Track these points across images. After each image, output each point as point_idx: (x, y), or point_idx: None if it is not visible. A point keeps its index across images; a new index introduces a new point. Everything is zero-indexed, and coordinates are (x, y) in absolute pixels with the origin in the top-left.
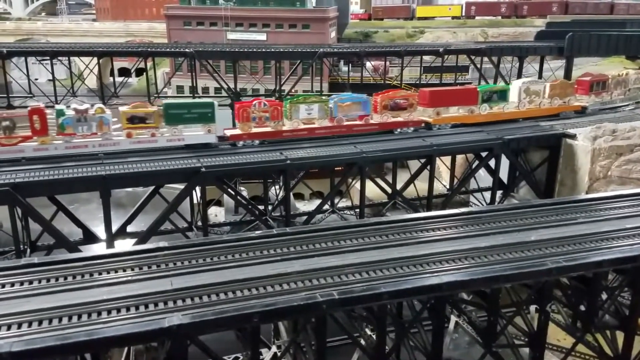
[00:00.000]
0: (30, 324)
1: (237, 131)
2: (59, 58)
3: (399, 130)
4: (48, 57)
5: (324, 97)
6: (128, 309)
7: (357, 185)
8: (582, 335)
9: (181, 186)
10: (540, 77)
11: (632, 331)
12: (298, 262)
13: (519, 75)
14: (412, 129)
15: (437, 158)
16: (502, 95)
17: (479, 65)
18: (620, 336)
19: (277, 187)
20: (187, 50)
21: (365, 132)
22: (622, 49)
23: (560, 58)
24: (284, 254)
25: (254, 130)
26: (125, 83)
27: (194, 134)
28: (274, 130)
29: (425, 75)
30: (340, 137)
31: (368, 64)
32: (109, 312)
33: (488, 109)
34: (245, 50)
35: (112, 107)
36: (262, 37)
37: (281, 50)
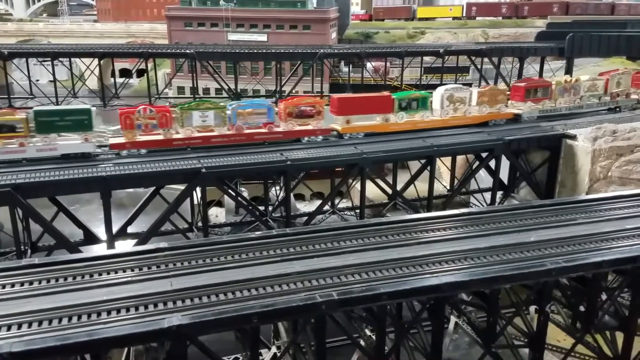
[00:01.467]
0: (30, 324)
1: (121, 139)
2: (60, 59)
3: (306, 139)
4: (49, 58)
5: (220, 104)
6: (128, 310)
7: (358, 186)
8: (581, 336)
9: (182, 187)
10: (540, 77)
11: (632, 332)
12: (298, 263)
13: (519, 76)
14: (320, 137)
15: (438, 159)
16: (423, 103)
17: (479, 66)
18: (619, 337)
19: (277, 187)
20: (188, 51)
21: (269, 141)
22: (623, 49)
23: (561, 59)
24: (284, 255)
25: (140, 138)
26: (127, 84)
27: (70, 143)
28: (164, 138)
29: (426, 76)
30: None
31: (369, 65)
32: (109, 312)
33: (406, 118)
34: (246, 51)
35: None
36: (263, 37)
37: (282, 51)
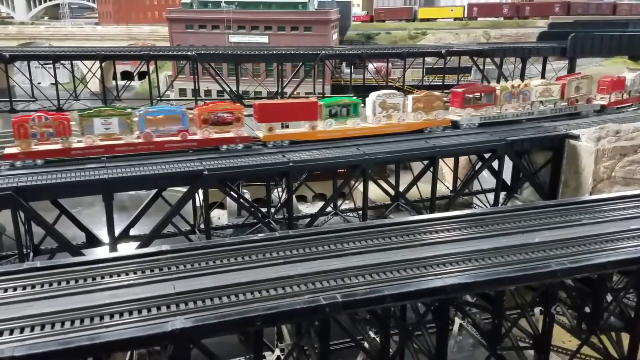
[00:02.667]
0: (32, 328)
1: (15, 149)
2: (62, 62)
3: (225, 146)
4: (50, 61)
5: (127, 110)
6: (131, 313)
7: (360, 187)
8: (587, 337)
9: (184, 189)
10: (542, 78)
11: (638, 333)
12: (301, 265)
13: (522, 77)
14: (240, 145)
15: (440, 160)
16: (354, 109)
17: (481, 67)
18: (625, 338)
19: (280, 189)
20: (189, 53)
21: (182, 150)
22: (625, 49)
23: (563, 59)
24: (286, 257)
25: (35, 148)
26: (128, 86)
27: None
28: (62, 148)
29: (428, 77)
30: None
31: (370, 66)
32: (112, 316)
33: (335, 125)
34: (248, 52)
35: None
36: (264, 39)
37: (283, 52)
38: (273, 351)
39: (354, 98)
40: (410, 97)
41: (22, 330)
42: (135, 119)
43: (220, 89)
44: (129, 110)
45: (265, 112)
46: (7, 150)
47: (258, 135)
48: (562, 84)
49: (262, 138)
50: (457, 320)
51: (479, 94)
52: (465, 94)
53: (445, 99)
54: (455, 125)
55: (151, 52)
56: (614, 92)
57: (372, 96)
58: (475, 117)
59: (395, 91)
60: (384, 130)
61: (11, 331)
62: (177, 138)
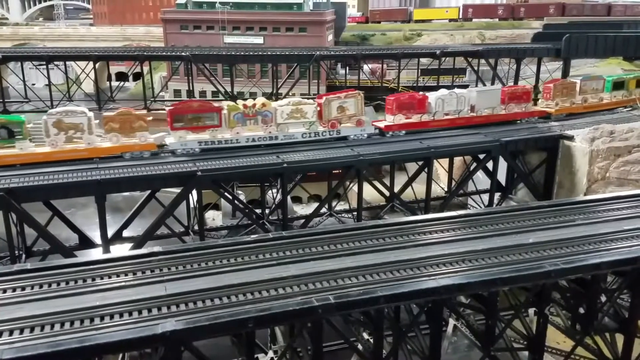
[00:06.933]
0: (22, 330)
1: None
2: (55, 62)
3: None
4: (44, 62)
5: None
6: (122, 315)
7: (355, 188)
8: (581, 338)
9: (178, 190)
10: (537, 79)
11: (632, 334)
12: (294, 266)
13: (516, 78)
14: None
15: (435, 160)
16: (18, 130)
17: (476, 68)
18: (619, 339)
19: (274, 190)
20: (183, 54)
21: None
22: (620, 50)
23: (558, 60)
24: (279, 258)
25: None
26: (122, 87)
27: None
28: None
29: (423, 78)
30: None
31: (365, 67)
32: (103, 318)
33: None
34: (242, 53)
35: None
36: (259, 40)
37: (278, 53)
38: (266, 353)
39: (17, 117)
40: (102, 115)
41: (11, 332)
42: None
43: (215, 90)
44: None
45: None
46: None
47: None
48: (317, 103)
49: None
50: (451, 322)
51: (197, 114)
52: (176, 113)
53: (149, 118)
54: (172, 151)
55: (145, 53)
56: (404, 112)
57: (45, 115)
58: (192, 141)
59: (77, 108)
60: (60, 157)
61: (0, 334)
62: None
